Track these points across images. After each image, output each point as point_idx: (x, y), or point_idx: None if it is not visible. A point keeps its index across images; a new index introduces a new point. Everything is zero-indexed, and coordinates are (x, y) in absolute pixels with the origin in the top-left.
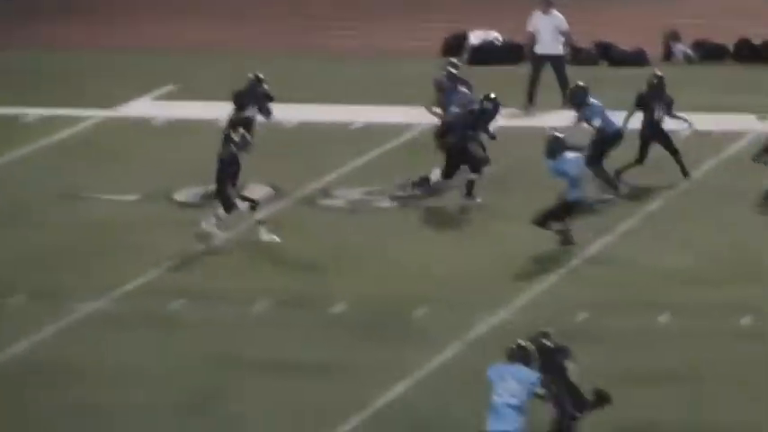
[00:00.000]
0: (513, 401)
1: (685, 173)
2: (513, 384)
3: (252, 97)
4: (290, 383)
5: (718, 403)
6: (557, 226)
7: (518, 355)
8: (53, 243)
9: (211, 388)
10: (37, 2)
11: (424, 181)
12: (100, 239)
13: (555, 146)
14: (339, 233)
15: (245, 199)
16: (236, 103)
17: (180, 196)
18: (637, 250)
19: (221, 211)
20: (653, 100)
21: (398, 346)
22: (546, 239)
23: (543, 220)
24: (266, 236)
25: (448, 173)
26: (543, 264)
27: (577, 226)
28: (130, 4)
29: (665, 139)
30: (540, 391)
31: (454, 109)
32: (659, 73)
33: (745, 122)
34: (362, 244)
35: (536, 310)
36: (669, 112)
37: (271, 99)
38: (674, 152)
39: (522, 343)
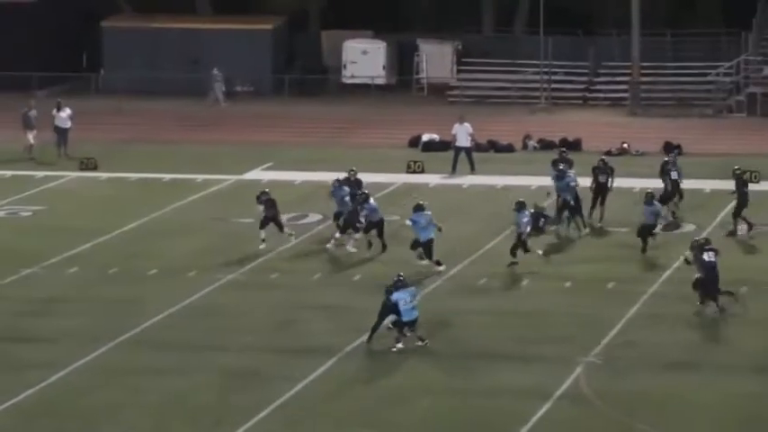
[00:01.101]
0: (412, 305)
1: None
2: (409, 297)
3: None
4: (334, 316)
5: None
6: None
7: (404, 283)
8: (208, 243)
9: (292, 318)
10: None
11: None
12: (236, 241)
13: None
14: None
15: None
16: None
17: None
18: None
19: (356, 234)
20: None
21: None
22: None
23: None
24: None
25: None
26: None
27: None
28: (240, 119)
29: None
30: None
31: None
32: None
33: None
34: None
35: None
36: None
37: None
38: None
39: (402, 275)
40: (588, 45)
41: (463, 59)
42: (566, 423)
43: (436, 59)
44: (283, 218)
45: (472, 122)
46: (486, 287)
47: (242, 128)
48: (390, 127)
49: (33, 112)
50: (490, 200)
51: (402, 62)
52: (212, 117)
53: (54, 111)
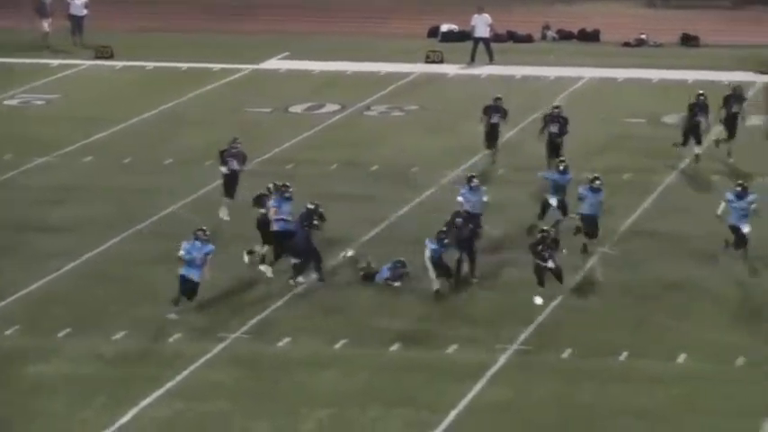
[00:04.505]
0: (194, 258)
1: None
2: (195, 250)
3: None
4: (352, 206)
5: None
6: None
7: (205, 237)
8: (224, 133)
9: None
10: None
11: None
12: (252, 131)
13: None
14: None
15: None
16: None
17: (295, 109)
18: None
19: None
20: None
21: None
22: None
23: None
24: None
25: None
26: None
27: None
28: (257, 8)
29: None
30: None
31: None
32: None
33: (578, 71)
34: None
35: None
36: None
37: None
38: None
39: (205, 229)
40: None
41: None
42: (580, 312)
43: None
44: (300, 107)
45: (491, 13)
46: (504, 178)
47: (259, 17)
48: (409, 17)
49: (48, 0)
50: (508, 90)
51: None
52: (229, 5)
53: None
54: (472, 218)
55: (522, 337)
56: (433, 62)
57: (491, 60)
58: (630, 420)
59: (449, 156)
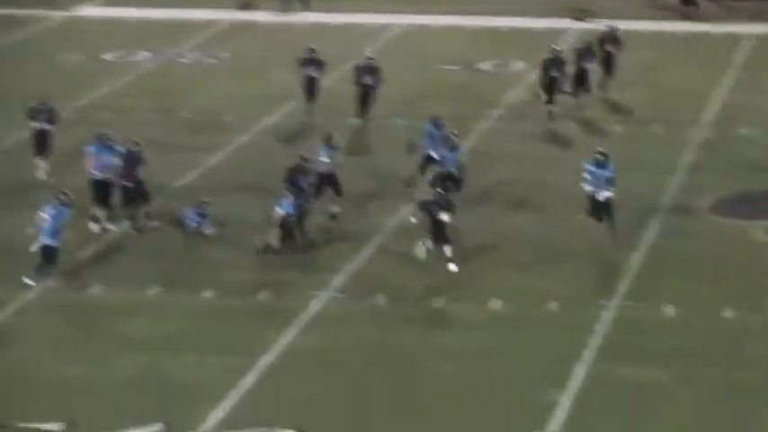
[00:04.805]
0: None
1: None
2: (52, 216)
3: None
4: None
5: None
6: None
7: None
8: (42, 81)
9: None
10: None
11: None
12: (65, 76)
13: None
14: None
15: None
16: None
17: (108, 56)
18: None
19: None
20: None
21: None
22: None
23: None
24: None
25: None
26: None
27: None
28: None
29: None
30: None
31: None
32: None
33: (393, 18)
34: None
35: None
36: None
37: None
38: None
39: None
40: None
41: None
42: (394, 259)
43: None
44: (112, 55)
45: None
46: (323, 128)
47: None
48: None
49: None
50: (323, 38)
51: None
52: None
53: None
54: (328, 177)
55: (336, 283)
56: (247, 9)
57: (306, 8)
58: (445, 364)
59: (263, 103)
